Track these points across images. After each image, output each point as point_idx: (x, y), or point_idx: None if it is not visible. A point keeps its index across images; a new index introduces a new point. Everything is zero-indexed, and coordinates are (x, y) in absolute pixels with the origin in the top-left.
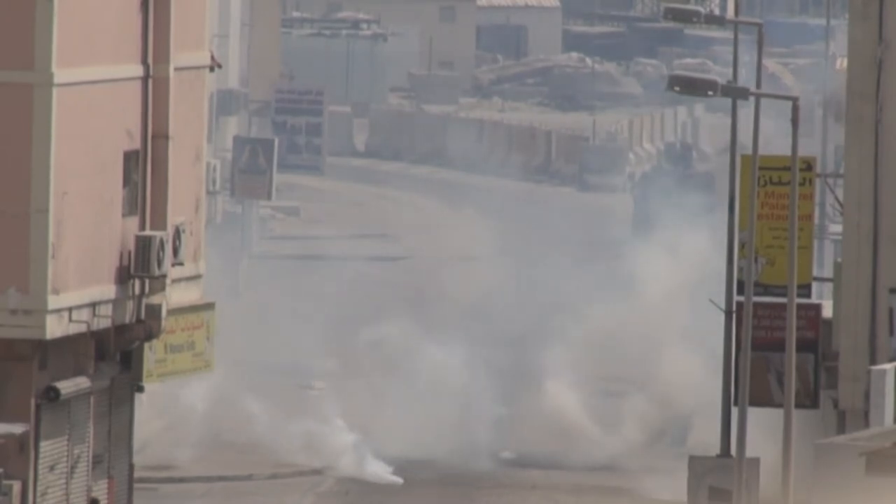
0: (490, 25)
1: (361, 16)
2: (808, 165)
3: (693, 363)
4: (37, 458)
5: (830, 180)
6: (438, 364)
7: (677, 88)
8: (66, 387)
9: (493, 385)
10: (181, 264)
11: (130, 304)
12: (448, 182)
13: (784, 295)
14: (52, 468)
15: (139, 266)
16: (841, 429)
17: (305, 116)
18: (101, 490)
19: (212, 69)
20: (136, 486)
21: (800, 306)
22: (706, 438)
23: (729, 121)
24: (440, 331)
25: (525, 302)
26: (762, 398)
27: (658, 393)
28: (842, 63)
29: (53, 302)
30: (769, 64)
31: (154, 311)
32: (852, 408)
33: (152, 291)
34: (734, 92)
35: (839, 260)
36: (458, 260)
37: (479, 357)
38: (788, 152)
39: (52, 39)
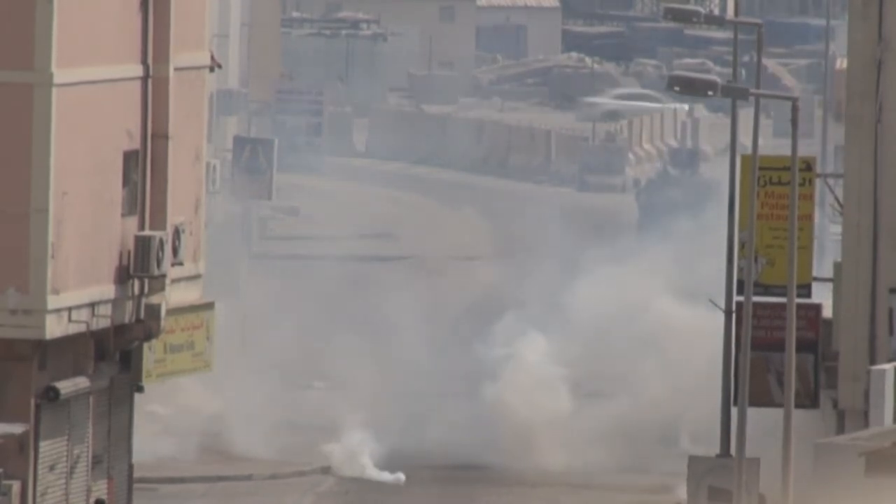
0: (490, 25)
1: (361, 16)
2: (808, 165)
3: (691, 363)
4: (36, 458)
5: (830, 180)
6: (438, 363)
7: (677, 88)
8: (66, 387)
9: (492, 384)
10: (181, 264)
11: (130, 304)
12: (448, 182)
13: (784, 295)
14: (51, 468)
15: (139, 266)
16: (841, 429)
17: (305, 116)
18: (100, 490)
19: (212, 69)
20: (135, 486)
21: (800, 306)
22: (703, 437)
23: (728, 120)
24: (439, 330)
25: (525, 302)
26: (762, 398)
27: (658, 392)
28: (842, 63)
29: (53, 302)
30: (769, 64)
31: (153, 311)
32: (852, 408)
33: (152, 291)
34: (734, 92)
35: (839, 260)
36: (458, 260)
37: (479, 357)
38: (788, 152)
39: (52, 39)
